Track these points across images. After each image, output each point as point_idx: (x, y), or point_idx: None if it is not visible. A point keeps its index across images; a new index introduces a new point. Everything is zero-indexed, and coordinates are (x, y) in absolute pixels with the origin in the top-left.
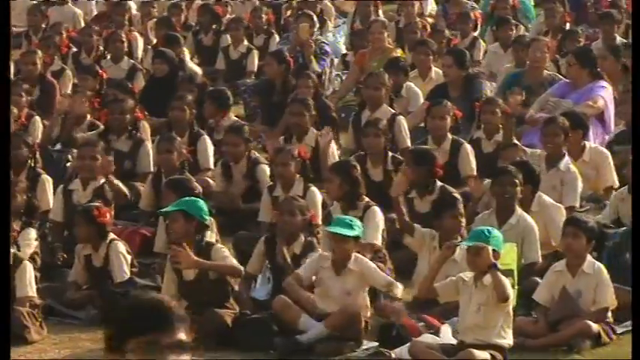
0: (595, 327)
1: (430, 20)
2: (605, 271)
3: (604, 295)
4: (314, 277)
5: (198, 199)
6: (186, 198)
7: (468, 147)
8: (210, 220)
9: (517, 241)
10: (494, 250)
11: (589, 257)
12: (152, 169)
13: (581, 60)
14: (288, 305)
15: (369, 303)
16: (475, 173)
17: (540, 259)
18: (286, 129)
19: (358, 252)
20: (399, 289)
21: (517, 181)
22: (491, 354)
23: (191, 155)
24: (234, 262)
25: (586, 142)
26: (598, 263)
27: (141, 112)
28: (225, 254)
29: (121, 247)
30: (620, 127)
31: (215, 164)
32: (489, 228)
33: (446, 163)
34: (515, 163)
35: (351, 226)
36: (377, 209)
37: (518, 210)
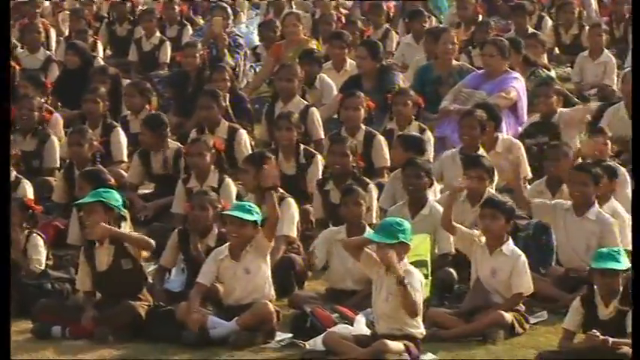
0: (508, 317)
1: (344, 11)
2: (523, 257)
3: (519, 280)
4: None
5: (113, 190)
6: (103, 189)
7: (381, 138)
8: (124, 212)
9: (430, 231)
10: (402, 241)
11: (510, 241)
12: (57, 165)
13: (503, 51)
14: (190, 311)
15: (272, 286)
16: (389, 164)
17: (453, 250)
18: (198, 121)
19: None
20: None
21: (422, 173)
22: (404, 344)
23: (104, 147)
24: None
25: (499, 134)
26: (518, 249)
27: (48, 110)
28: None
29: (39, 240)
30: (533, 119)
31: (129, 157)
32: (399, 220)
33: (360, 154)
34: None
35: (250, 212)
36: (292, 201)
37: (431, 201)
